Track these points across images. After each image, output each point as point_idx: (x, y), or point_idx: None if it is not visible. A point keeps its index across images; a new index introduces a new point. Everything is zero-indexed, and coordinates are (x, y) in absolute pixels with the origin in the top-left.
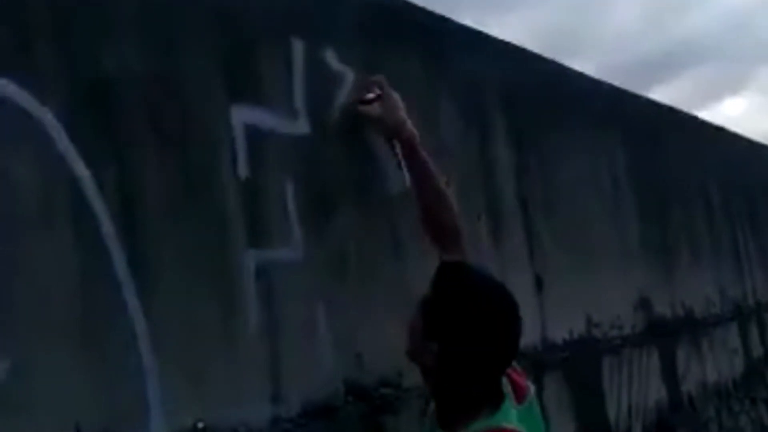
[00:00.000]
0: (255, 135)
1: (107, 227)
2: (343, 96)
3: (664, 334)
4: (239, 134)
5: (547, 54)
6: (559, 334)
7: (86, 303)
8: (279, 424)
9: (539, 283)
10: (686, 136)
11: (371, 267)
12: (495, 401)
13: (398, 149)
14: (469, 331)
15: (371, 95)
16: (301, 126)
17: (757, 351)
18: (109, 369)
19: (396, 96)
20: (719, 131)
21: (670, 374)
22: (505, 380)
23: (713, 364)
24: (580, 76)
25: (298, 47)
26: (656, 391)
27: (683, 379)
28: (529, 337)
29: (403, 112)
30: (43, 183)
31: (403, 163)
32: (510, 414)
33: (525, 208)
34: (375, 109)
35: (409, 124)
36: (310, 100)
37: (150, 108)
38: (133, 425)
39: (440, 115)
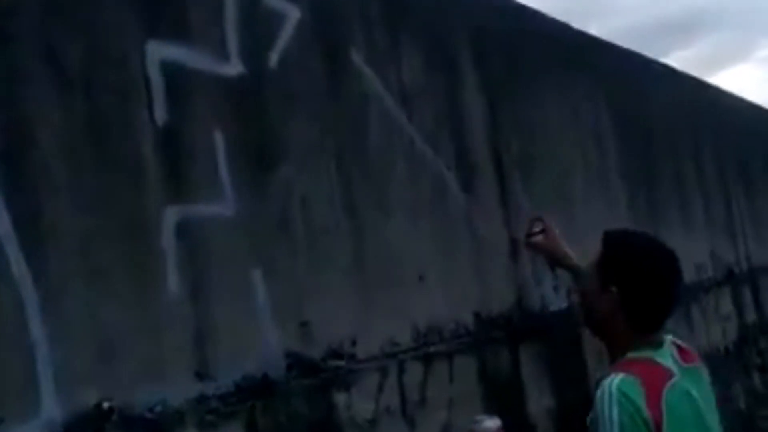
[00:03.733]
0: (176, 75)
1: None
2: (285, 36)
3: None
4: (155, 73)
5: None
6: (535, 302)
7: None
8: (205, 403)
9: (515, 246)
10: (678, 94)
11: (321, 228)
12: (653, 344)
13: (557, 273)
14: (644, 272)
15: (536, 229)
16: (234, 66)
17: (751, 316)
18: None
19: (555, 230)
20: (714, 90)
21: None
22: (670, 343)
23: (704, 331)
24: (560, 25)
25: None
26: None
27: None
28: (504, 304)
29: (560, 241)
30: None
31: (560, 287)
32: (666, 356)
33: (499, 163)
34: (539, 240)
35: (565, 246)
36: (245, 38)
37: (45, 41)
38: (20, 407)
39: (402, 60)
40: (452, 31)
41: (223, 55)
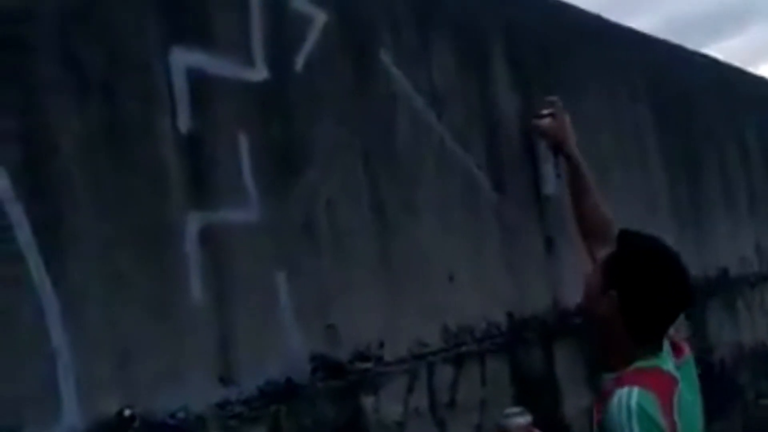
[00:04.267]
0: (200, 81)
1: (4, 184)
2: (312, 40)
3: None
4: (179, 80)
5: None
6: (571, 300)
7: None
8: (228, 408)
9: (550, 245)
10: (721, 84)
11: (347, 229)
12: (655, 350)
13: (561, 161)
14: (646, 279)
15: (545, 111)
16: (259, 72)
17: None
18: (11, 349)
19: (566, 118)
20: (759, 80)
21: (700, 339)
22: (665, 340)
23: (750, 326)
24: (594, 18)
25: None
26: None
27: (716, 344)
28: (538, 302)
29: (570, 132)
30: None
31: (562, 174)
32: (667, 361)
33: (533, 160)
34: (546, 123)
35: (573, 143)
36: (271, 43)
37: (66, 48)
38: (42, 414)
39: (432, 59)
40: (484, 27)
41: (249, 61)
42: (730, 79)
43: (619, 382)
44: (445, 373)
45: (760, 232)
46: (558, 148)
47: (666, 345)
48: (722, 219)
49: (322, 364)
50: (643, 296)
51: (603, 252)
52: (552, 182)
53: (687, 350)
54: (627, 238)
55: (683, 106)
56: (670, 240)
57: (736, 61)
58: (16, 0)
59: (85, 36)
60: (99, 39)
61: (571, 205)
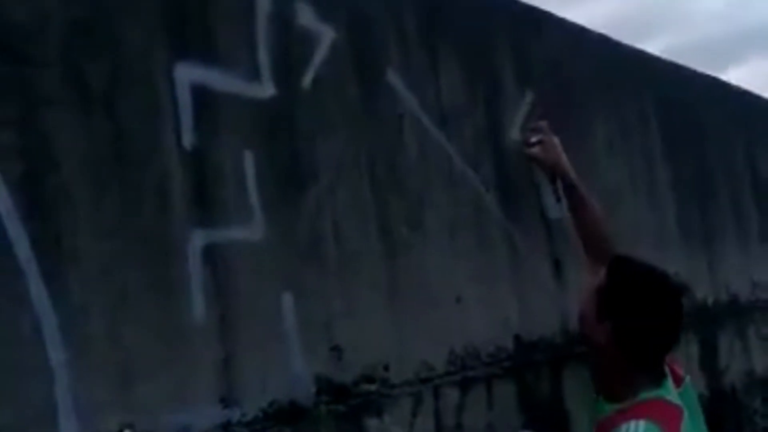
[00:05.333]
0: (205, 98)
1: (4, 198)
2: (319, 57)
3: (705, 321)
4: (184, 96)
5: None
6: None
7: None
8: (231, 430)
9: (558, 268)
10: (732, 108)
11: (354, 250)
12: (658, 378)
13: (558, 185)
14: (640, 310)
15: (534, 139)
16: (266, 89)
17: None
18: (8, 368)
19: (555, 140)
20: (764, 101)
21: (711, 364)
22: (665, 367)
23: (760, 352)
24: (605, 39)
25: None
26: (696, 383)
27: (727, 370)
28: (547, 325)
29: (560, 153)
30: None
31: (561, 196)
32: (671, 390)
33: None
34: (536, 151)
35: (565, 163)
36: (277, 59)
37: (69, 62)
38: None
39: (440, 78)
40: (493, 47)
41: (255, 78)
42: (741, 101)
43: (624, 415)
44: (451, 396)
45: None
46: (553, 172)
47: (666, 370)
48: (733, 245)
49: (327, 386)
50: (638, 326)
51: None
52: (553, 207)
53: (682, 373)
54: (618, 265)
55: (694, 130)
56: (681, 266)
57: (748, 87)
58: (21, 14)
59: (89, 50)
60: (103, 54)
61: (573, 225)
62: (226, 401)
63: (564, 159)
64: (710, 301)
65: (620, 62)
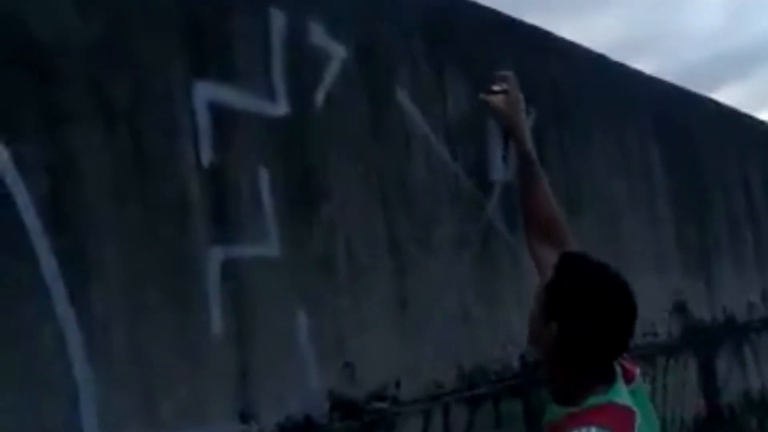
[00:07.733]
0: (223, 115)
1: (31, 218)
2: (331, 76)
3: (703, 340)
4: (202, 114)
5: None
6: None
7: (2, 306)
8: None
9: None
10: (728, 129)
11: (365, 267)
12: (608, 380)
13: (511, 147)
14: (587, 311)
15: (497, 87)
16: (280, 107)
17: None
18: (32, 383)
19: (520, 96)
20: (758, 122)
21: (709, 384)
22: (616, 366)
23: (757, 372)
24: (606, 61)
25: (278, 18)
26: (694, 402)
27: (724, 389)
28: None
29: (522, 114)
30: None
31: (508, 157)
32: (621, 392)
33: None
34: (498, 99)
35: (523, 125)
36: (291, 78)
37: (91, 80)
38: None
39: (447, 96)
40: (498, 67)
41: (270, 96)
42: (735, 123)
43: (572, 421)
44: (460, 414)
45: (766, 278)
46: (509, 131)
47: (618, 370)
48: (729, 265)
49: (339, 403)
50: (584, 329)
51: (547, 254)
52: (499, 167)
53: (637, 372)
54: (566, 263)
55: (691, 151)
56: (677, 283)
57: (739, 107)
58: (48, 34)
59: (111, 69)
60: (125, 72)
61: (519, 197)
62: (243, 415)
63: (523, 120)
64: (707, 321)
65: (621, 84)
